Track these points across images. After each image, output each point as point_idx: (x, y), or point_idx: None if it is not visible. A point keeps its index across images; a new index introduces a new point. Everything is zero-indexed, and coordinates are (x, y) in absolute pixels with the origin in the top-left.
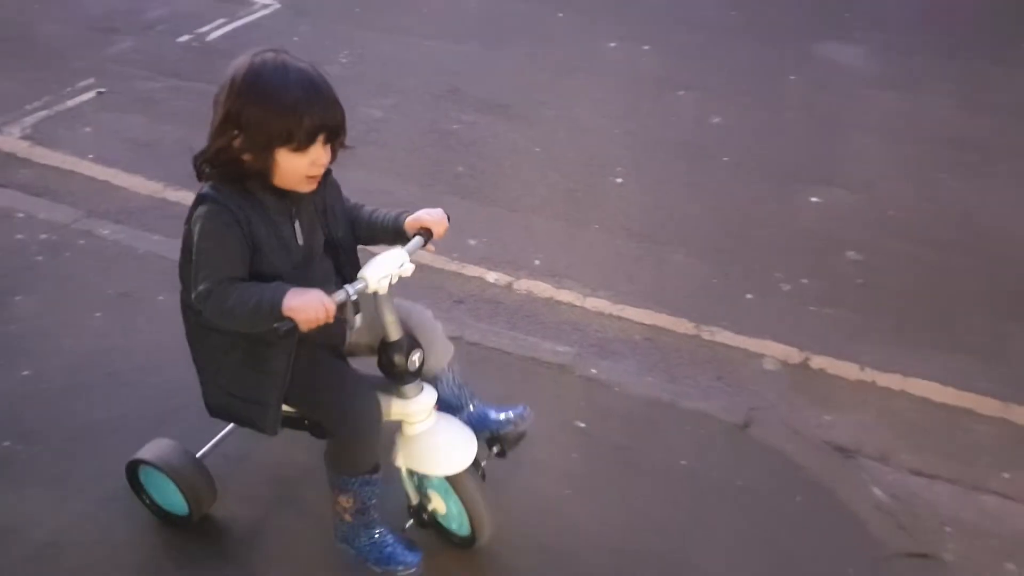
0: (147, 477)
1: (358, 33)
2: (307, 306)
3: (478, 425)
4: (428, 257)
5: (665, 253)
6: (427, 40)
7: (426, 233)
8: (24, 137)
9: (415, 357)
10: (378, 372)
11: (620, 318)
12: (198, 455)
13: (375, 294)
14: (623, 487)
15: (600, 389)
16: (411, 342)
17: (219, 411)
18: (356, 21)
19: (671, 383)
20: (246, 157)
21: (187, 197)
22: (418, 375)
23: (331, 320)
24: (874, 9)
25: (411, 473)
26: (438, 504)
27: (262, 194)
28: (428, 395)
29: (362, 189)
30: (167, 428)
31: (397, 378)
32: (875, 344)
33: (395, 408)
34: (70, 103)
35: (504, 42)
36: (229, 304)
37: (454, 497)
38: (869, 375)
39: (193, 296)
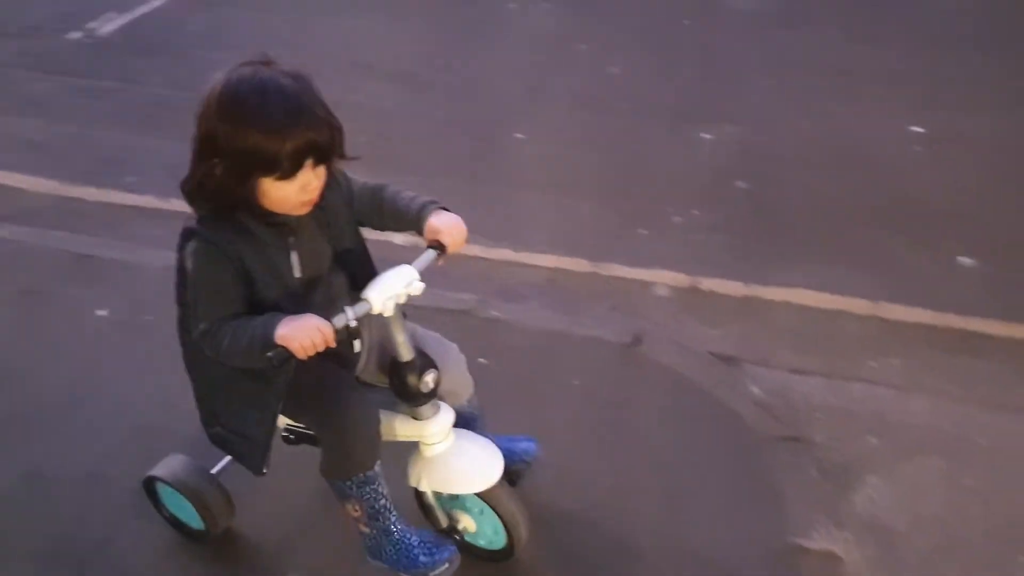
0: (164, 492)
1: (260, 16)
2: (300, 332)
3: None
4: None
5: (565, 201)
6: (330, 16)
7: (440, 246)
8: None
9: (429, 378)
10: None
11: (523, 264)
12: (213, 471)
13: (379, 316)
14: (522, 410)
15: (501, 328)
16: (425, 362)
17: (215, 439)
18: (258, 5)
19: (567, 316)
20: (229, 185)
21: (88, 192)
22: (433, 396)
23: (331, 345)
24: None
25: (437, 495)
26: (467, 523)
27: (255, 226)
28: (446, 415)
29: None
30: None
31: (411, 400)
32: (759, 263)
33: (411, 429)
34: None
35: (407, 12)
36: (225, 345)
37: (485, 512)
38: (753, 291)
39: (195, 335)
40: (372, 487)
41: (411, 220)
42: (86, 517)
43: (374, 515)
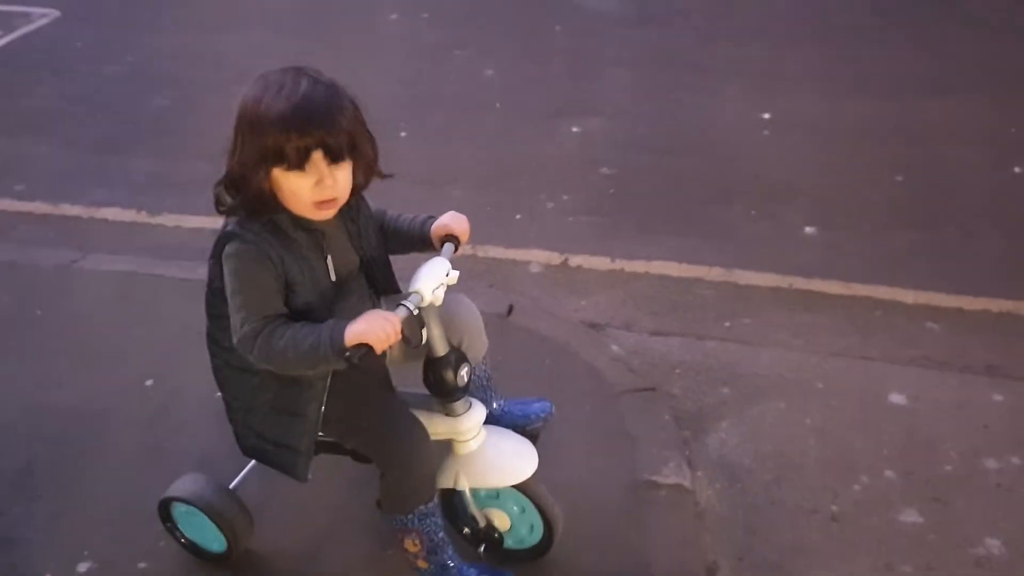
0: (180, 515)
1: (144, 35)
2: (373, 327)
3: (503, 421)
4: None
5: (445, 193)
6: (212, 35)
7: (454, 240)
8: None
9: (463, 372)
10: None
11: None
12: (231, 486)
13: (428, 308)
14: None
15: None
16: (459, 356)
17: (251, 452)
18: (141, 24)
19: None
20: (247, 173)
21: None
22: (467, 391)
23: (399, 337)
24: None
25: (475, 491)
26: (501, 521)
27: (291, 230)
28: (478, 410)
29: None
30: None
31: (446, 395)
32: (623, 240)
33: (444, 427)
34: None
35: (288, 27)
36: (280, 346)
37: (527, 509)
38: (618, 264)
39: (236, 340)
40: (433, 519)
41: (416, 234)
42: None
43: (433, 549)
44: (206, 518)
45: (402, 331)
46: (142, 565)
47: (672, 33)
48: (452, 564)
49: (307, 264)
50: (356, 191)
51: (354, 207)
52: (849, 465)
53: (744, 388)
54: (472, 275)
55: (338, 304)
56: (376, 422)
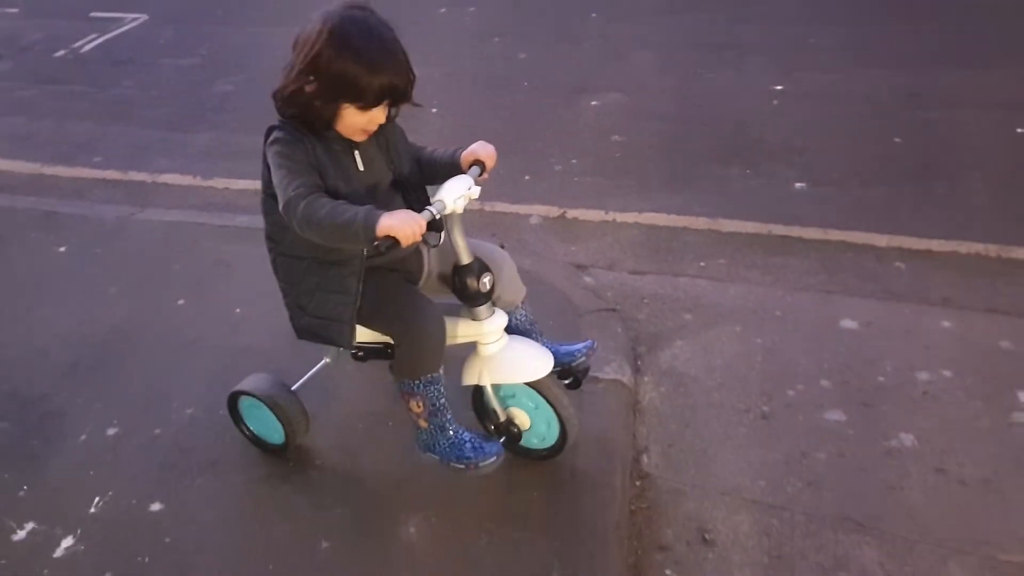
0: (246, 408)
1: (217, 30)
2: (403, 224)
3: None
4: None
5: (486, 181)
6: (275, 27)
7: (480, 164)
8: None
9: (486, 279)
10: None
11: None
12: (293, 388)
13: (451, 216)
14: None
15: None
16: (481, 266)
17: (303, 332)
18: (216, 22)
19: None
20: (316, 103)
21: (62, 171)
22: (489, 297)
23: (420, 238)
24: None
25: (495, 388)
26: (522, 419)
27: (324, 130)
28: (500, 317)
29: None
30: None
31: (470, 299)
32: (620, 197)
33: (471, 330)
34: None
35: None
36: (321, 215)
37: (540, 409)
38: (611, 216)
39: (283, 204)
40: (436, 387)
41: (446, 163)
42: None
43: (434, 412)
44: (270, 412)
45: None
46: (157, 431)
47: (703, 17)
48: (450, 427)
49: (336, 155)
50: (391, 118)
51: (386, 126)
52: (789, 376)
53: (705, 315)
54: (477, 226)
55: (372, 204)
56: (395, 302)
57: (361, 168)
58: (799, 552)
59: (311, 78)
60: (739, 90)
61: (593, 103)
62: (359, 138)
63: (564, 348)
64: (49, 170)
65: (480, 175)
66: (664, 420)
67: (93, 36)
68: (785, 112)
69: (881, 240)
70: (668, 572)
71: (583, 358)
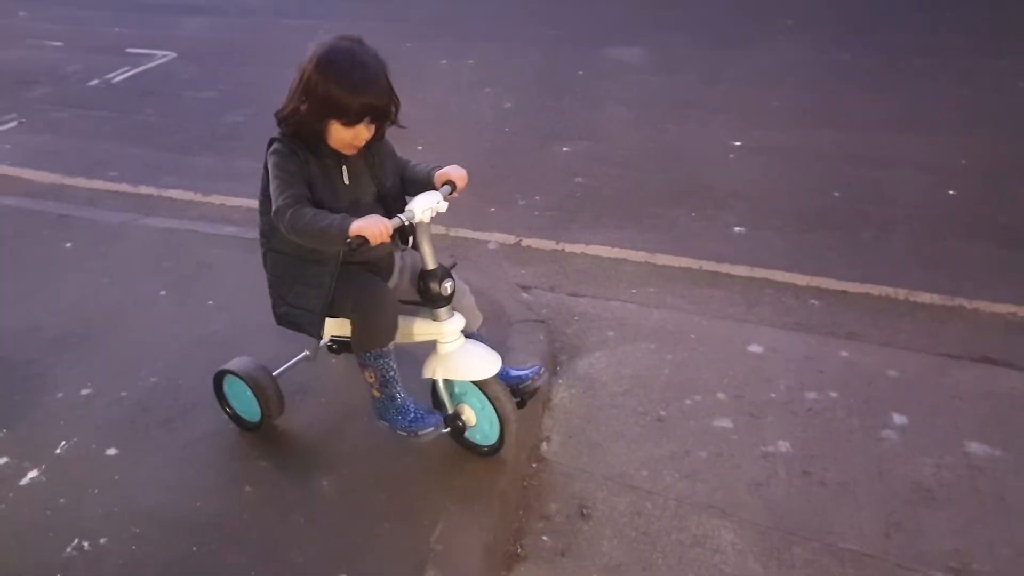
0: (230, 386)
1: (236, 69)
2: (372, 225)
3: (502, 380)
4: None
5: (456, 200)
6: (288, 68)
7: (451, 184)
8: None
9: (447, 284)
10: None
11: None
12: (274, 373)
13: (419, 225)
14: None
15: None
16: (444, 272)
17: (281, 319)
18: (236, 62)
19: None
20: (308, 121)
21: (81, 182)
22: (449, 301)
23: (388, 239)
24: (657, 19)
25: (448, 384)
26: (469, 416)
27: (317, 144)
28: (458, 319)
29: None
30: None
31: (432, 301)
32: (573, 230)
33: (431, 328)
34: None
35: None
36: (304, 222)
37: (485, 410)
38: (560, 246)
39: (273, 210)
40: (385, 360)
41: (423, 180)
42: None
43: (384, 383)
44: (249, 391)
45: (392, 235)
46: (123, 394)
47: (681, 79)
48: (399, 397)
49: (326, 167)
50: (378, 137)
51: (374, 143)
52: (689, 388)
53: (626, 334)
54: (440, 248)
55: (356, 215)
56: (356, 287)
57: (347, 182)
58: (664, 530)
59: (303, 99)
60: (699, 143)
61: (564, 149)
62: (348, 151)
63: (515, 372)
64: (69, 181)
65: (450, 193)
66: (569, 416)
67: (125, 69)
68: (738, 164)
69: (802, 280)
70: (545, 538)
71: (530, 381)
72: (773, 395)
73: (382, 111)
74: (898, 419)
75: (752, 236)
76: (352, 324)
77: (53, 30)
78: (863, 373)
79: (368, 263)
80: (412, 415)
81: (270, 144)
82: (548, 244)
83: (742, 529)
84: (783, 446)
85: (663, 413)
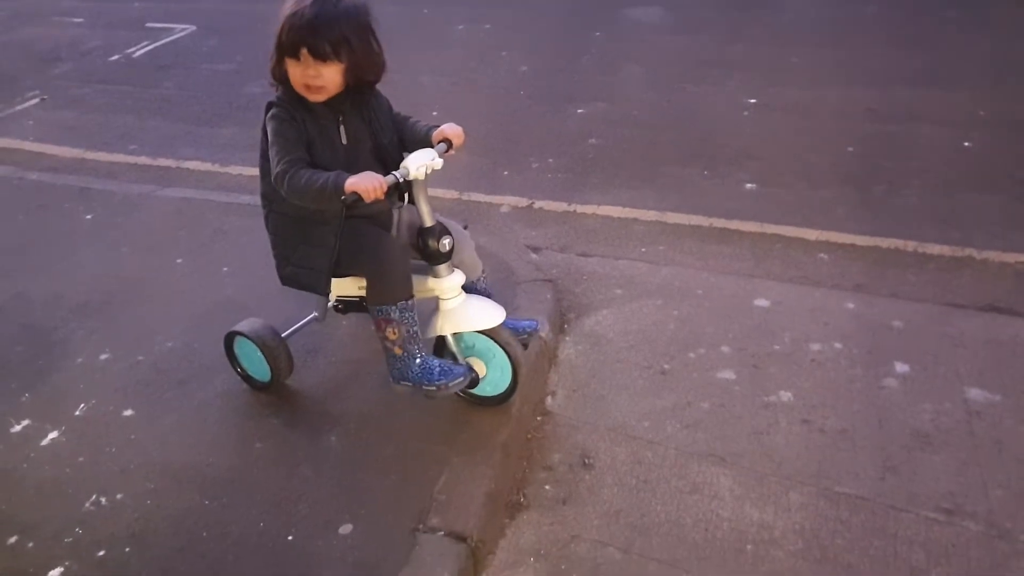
0: (240, 347)
1: (256, 40)
2: (366, 182)
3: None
4: None
5: (454, 156)
6: None
7: (448, 142)
8: None
9: (445, 241)
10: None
11: None
12: (283, 335)
13: (415, 183)
14: None
15: None
16: (442, 228)
17: (287, 280)
18: (256, 33)
19: None
20: (278, 68)
21: (102, 156)
22: (448, 257)
23: (382, 196)
24: None
25: (456, 338)
26: (480, 368)
27: (312, 103)
28: (458, 275)
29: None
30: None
31: (431, 258)
32: (585, 192)
33: (432, 284)
34: (19, 107)
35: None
36: (301, 183)
37: (496, 358)
38: (572, 208)
39: (273, 176)
40: (411, 314)
41: (420, 139)
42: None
43: (408, 339)
44: (260, 353)
45: (388, 191)
46: (140, 358)
47: (698, 38)
48: (419, 354)
49: (323, 127)
50: (357, 87)
51: (370, 99)
52: (694, 341)
53: (634, 291)
54: (452, 213)
55: (352, 171)
56: (364, 242)
57: (344, 141)
58: (663, 478)
59: (275, 51)
60: (715, 103)
61: (579, 111)
62: (310, 96)
63: (511, 322)
64: (91, 155)
65: (446, 151)
66: (575, 371)
67: (145, 43)
68: (753, 123)
69: (812, 235)
70: (547, 487)
71: (525, 335)
72: (777, 347)
73: (318, 47)
74: (900, 368)
75: (763, 193)
76: (367, 280)
77: (76, 7)
78: (868, 324)
79: (368, 217)
80: (439, 368)
81: (268, 108)
82: (560, 206)
83: (740, 476)
84: (785, 396)
85: (667, 367)
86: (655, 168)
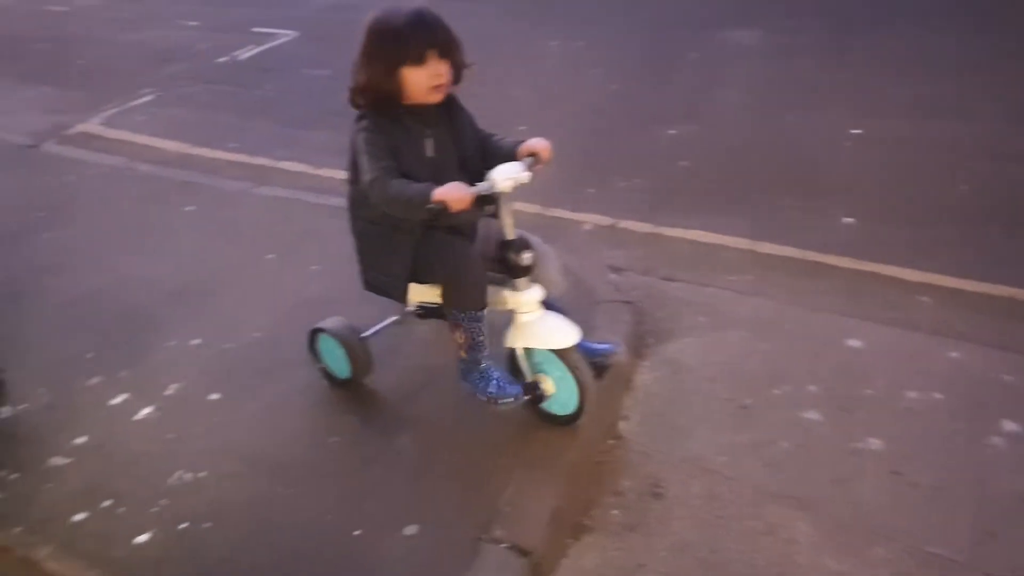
0: (323, 344)
1: (354, 49)
2: (453, 192)
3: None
4: None
5: (539, 171)
6: None
7: (535, 156)
8: (101, 124)
9: (526, 255)
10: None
11: None
12: (365, 335)
13: (500, 195)
14: None
15: None
16: (523, 243)
17: (368, 285)
18: (354, 42)
19: None
20: (381, 84)
21: (205, 152)
22: (528, 272)
23: (468, 206)
24: (784, 0)
25: (528, 353)
26: (548, 386)
27: (402, 116)
28: (537, 290)
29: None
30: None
31: (511, 272)
32: (672, 214)
33: (510, 298)
34: (133, 103)
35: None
36: (391, 192)
37: (564, 379)
38: (658, 229)
39: (365, 184)
40: (478, 324)
41: (506, 153)
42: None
43: (473, 346)
44: (340, 349)
45: (472, 202)
46: (228, 346)
47: (801, 63)
48: (484, 362)
49: (411, 140)
50: (455, 81)
51: (455, 113)
52: (779, 378)
53: (719, 320)
54: (534, 228)
55: (440, 185)
56: (442, 250)
57: (430, 153)
58: (737, 516)
59: (368, 66)
60: (814, 131)
61: (670, 132)
62: (431, 98)
63: (588, 344)
64: (195, 151)
65: (533, 165)
66: (651, 397)
67: (251, 47)
68: (855, 154)
69: (913, 276)
70: (615, 512)
71: (601, 358)
72: (869, 391)
73: (444, 42)
74: (1009, 426)
75: (862, 228)
76: (443, 287)
77: (193, 10)
78: (973, 376)
79: (452, 228)
80: (495, 383)
81: (359, 119)
82: (645, 227)
83: (820, 522)
84: (874, 443)
85: (749, 401)
86: (747, 195)
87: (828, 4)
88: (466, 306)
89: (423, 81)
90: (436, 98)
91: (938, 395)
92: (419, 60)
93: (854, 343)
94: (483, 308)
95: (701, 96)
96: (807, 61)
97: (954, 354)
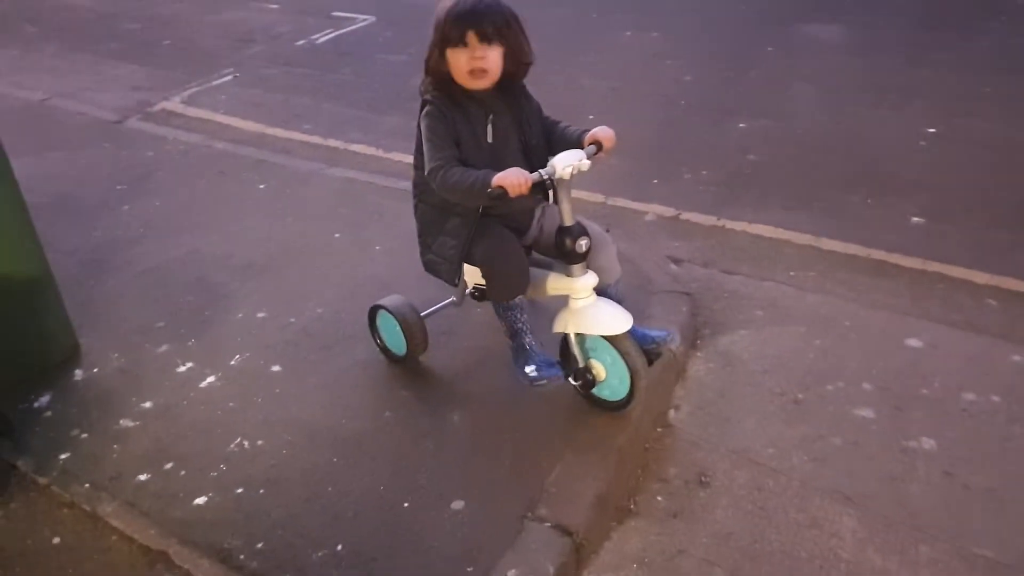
0: (382, 320)
1: (426, 33)
2: (512, 177)
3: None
4: None
5: (603, 159)
6: None
7: (599, 144)
8: (182, 102)
9: (582, 242)
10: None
11: None
12: (422, 313)
13: (560, 182)
14: None
15: None
16: (580, 229)
17: (427, 266)
18: (430, 28)
19: None
20: (436, 64)
21: (279, 132)
22: (584, 258)
23: (526, 192)
24: None
25: (580, 338)
26: (599, 371)
27: (465, 101)
28: (591, 276)
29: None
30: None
31: (567, 257)
32: (737, 208)
33: (564, 283)
34: (214, 83)
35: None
36: (452, 180)
37: (615, 365)
38: (721, 222)
39: (427, 172)
40: (513, 313)
41: (572, 139)
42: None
43: (512, 333)
44: (398, 326)
45: (532, 188)
46: (292, 320)
47: (879, 59)
48: (527, 346)
49: (471, 125)
50: (512, 77)
51: (520, 100)
52: (834, 374)
53: (777, 315)
54: (595, 216)
55: (499, 171)
56: (488, 242)
57: (490, 139)
58: (782, 508)
59: (429, 49)
60: (889, 129)
61: (740, 125)
62: (469, 83)
63: (642, 331)
64: (270, 131)
65: (595, 153)
66: (703, 388)
67: (329, 31)
68: (929, 154)
69: (981, 278)
70: (660, 499)
71: (654, 344)
72: (925, 391)
73: (486, 30)
74: None
75: (931, 228)
76: (484, 274)
77: None
78: None
79: (508, 215)
80: (534, 365)
81: (423, 106)
82: (708, 219)
83: (866, 518)
84: (927, 443)
85: (801, 396)
86: (814, 191)
87: (912, 1)
88: (499, 296)
89: (462, 63)
90: (477, 84)
91: (996, 398)
92: (459, 41)
93: (914, 343)
94: (516, 299)
95: (775, 90)
96: (886, 58)
97: (1016, 358)
